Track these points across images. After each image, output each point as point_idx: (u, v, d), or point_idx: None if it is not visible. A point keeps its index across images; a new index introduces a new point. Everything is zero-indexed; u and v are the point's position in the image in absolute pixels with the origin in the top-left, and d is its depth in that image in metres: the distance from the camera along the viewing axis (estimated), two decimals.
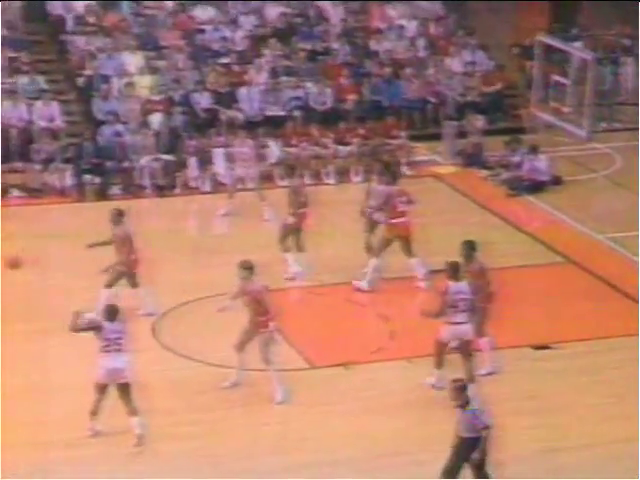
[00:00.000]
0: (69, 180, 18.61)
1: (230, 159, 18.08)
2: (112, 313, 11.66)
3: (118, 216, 13.92)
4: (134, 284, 14.07)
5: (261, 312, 12.44)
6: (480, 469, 10.33)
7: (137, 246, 13.97)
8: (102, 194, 18.59)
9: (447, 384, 11.66)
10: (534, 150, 19.54)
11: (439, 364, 12.51)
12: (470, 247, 12.81)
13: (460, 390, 10.22)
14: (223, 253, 16.15)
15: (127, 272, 13.93)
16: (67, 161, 18.75)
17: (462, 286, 12.23)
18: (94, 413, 11.64)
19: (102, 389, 11.59)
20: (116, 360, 11.49)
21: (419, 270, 14.97)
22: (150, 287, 14.25)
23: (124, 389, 11.56)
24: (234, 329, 13.87)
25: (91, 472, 11.11)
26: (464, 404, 10.23)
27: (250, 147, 18.00)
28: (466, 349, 12.36)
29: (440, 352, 12.45)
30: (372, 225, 15.37)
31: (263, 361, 12.50)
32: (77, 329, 11.66)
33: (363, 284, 14.93)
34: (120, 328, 11.62)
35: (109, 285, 13.88)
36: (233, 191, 17.77)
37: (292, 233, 15.30)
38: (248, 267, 12.50)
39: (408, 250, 15.00)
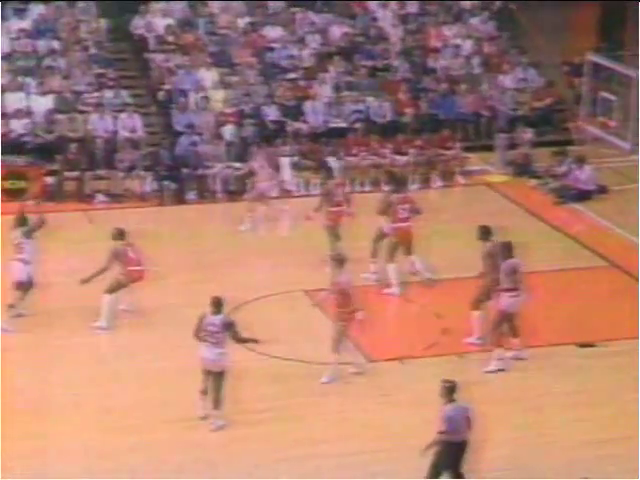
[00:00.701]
0: (149, 186, 18.80)
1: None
2: (216, 305, 11.45)
3: (119, 235, 13.84)
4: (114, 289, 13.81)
5: (343, 304, 12.37)
6: (436, 469, 10.07)
7: (143, 260, 13.80)
8: (179, 199, 18.74)
9: (511, 362, 12.23)
10: (581, 161, 19.28)
11: (498, 341, 12.67)
12: (484, 231, 13.35)
13: (447, 390, 10.08)
14: (288, 253, 16.21)
15: (126, 283, 13.73)
16: (147, 169, 18.95)
17: (517, 261, 12.73)
18: (203, 392, 11.56)
19: (206, 374, 11.54)
20: (209, 351, 11.39)
21: (391, 276, 14.80)
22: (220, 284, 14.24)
23: (216, 378, 11.48)
24: (297, 324, 13.93)
25: (155, 459, 11.15)
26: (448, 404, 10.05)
27: (267, 158, 17.90)
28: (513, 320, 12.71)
29: (501, 324, 12.63)
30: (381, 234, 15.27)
31: (331, 349, 12.44)
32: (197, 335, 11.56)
33: (394, 290, 14.80)
34: (219, 322, 11.38)
35: (109, 291, 13.68)
36: (255, 200, 17.57)
37: (330, 231, 15.42)
38: (338, 259, 12.51)
39: (407, 251, 14.96)
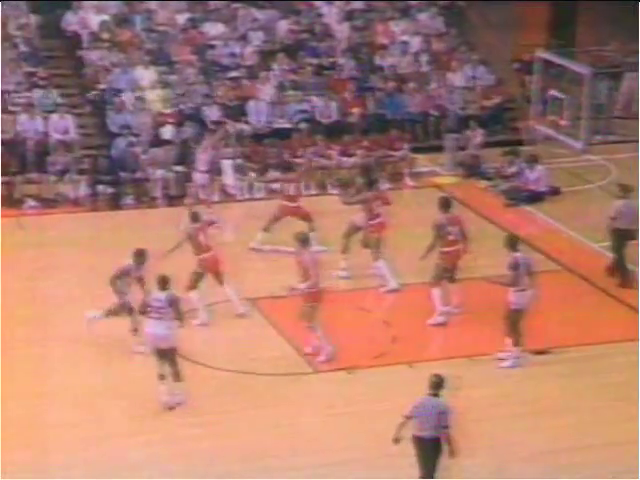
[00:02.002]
0: (83, 190, 18.54)
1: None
2: (162, 282, 12.07)
3: (194, 217, 14.16)
4: (219, 282, 14.21)
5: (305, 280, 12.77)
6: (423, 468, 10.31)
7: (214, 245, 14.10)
8: (114, 204, 18.51)
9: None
10: (532, 161, 19.40)
11: (518, 339, 13.05)
12: (444, 203, 14.31)
13: (432, 385, 10.33)
14: (233, 260, 16.08)
15: (202, 272, 14.02)
16: (81, 172, 18.68)
17: (522, 255, 13.17)
18: (161, 377, 11.94)
19: (158, 356, 11.94)
20: (155, 327, 11.91)
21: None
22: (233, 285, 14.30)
23: (165, 354, 11.90)
24: (241, 334, 13.81)
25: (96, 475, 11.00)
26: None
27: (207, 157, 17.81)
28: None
29: (515, 322, 12.98)
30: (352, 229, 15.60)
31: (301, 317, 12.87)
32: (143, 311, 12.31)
33: (393, 285, 14.92)
34: (164, 298, 11.97)
35: (191, 287, 13.95)
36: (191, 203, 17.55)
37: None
38: (299, 239, 13.00)
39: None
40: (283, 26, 22.43)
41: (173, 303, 12.06)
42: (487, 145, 20.54)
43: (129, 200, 18.66)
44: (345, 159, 19.66)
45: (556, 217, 18.08)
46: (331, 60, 22.04)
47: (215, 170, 18.83)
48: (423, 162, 20.41)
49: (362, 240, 15.42)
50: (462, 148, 20.53)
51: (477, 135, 20.49)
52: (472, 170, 20.18)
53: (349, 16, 23.07)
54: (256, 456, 11.33)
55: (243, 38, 22.09)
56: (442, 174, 20.25)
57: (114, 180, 18.69)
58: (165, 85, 20.66)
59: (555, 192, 19.30)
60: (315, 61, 21.85)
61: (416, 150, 20.40)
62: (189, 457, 11.28)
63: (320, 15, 22.98)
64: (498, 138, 21.23)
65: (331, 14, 22.97)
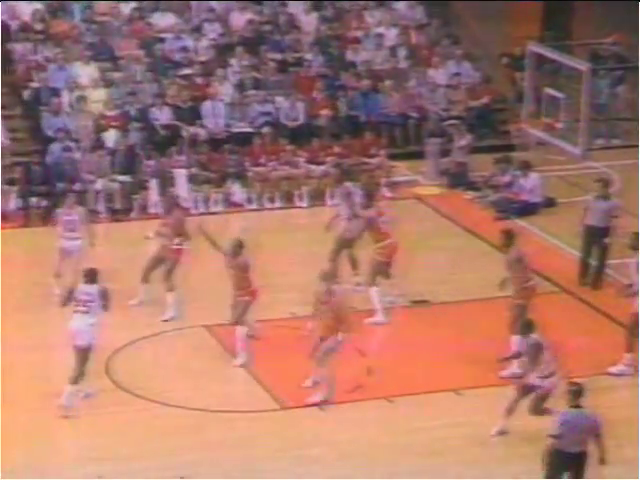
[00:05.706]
0: (13, 203, 18.64)
1: None
2: (90, 275, 12.91)
3: (238, 247, 14.21)
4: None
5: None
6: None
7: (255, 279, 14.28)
8: (50, 219, 18.61)
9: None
10: (525, 168, 19.75)
11: (629, 346, 13.80)
12: (507, 236, 14.41)
13: (572, 394, 10.83)
14: (184, 283, 16.25)
15: (249, 301, 14.17)
16: (11, 183, 18.79)
17: None
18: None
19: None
20: (80, 321, 12.69)
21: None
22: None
23: (79, 354, 12.70)
24: (192, 367, 13.96)
25: None
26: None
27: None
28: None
29: (635, 328, 13.65)
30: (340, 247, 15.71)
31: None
32: (64, 303, 13.06)
33: (379, 318, 15.06)
34: (93, 291, 12.79)
35: (236, 322, 14.10)
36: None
37: None
38: (325, 277, 13.23)
39: (387, 274, 15.42)
40: (242, 17, 22.67)
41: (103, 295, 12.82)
42: (474, 151, 20.88)
43: None
44: (314, 167, 19.93)
45: (552, 232, 18.40)
46: (297, 55, 22.29)
47: (166, 180, 19.05)
48: (402, 170, 20.68)
49: (350, 257, 15.61)
50: (446, 154, 20.89)
51: (463, 140, 20.86)
52: (457, 179, 20.51)
53: (317, 5, 23.37)
54: None
55: (197, 30, 22.31)
56: (423, 184, 20.54)
57: (49, 191, 18.82)
58: (108, 84, 20.81)
59: (550, 203, 19.66)
60: (279, 56, 22.09)
61: (394, 157, 20.69)
62: None
63: (284, 4, 23.26)
64: (486, 143, 21.60)
65: (297, 3, 23.27)
